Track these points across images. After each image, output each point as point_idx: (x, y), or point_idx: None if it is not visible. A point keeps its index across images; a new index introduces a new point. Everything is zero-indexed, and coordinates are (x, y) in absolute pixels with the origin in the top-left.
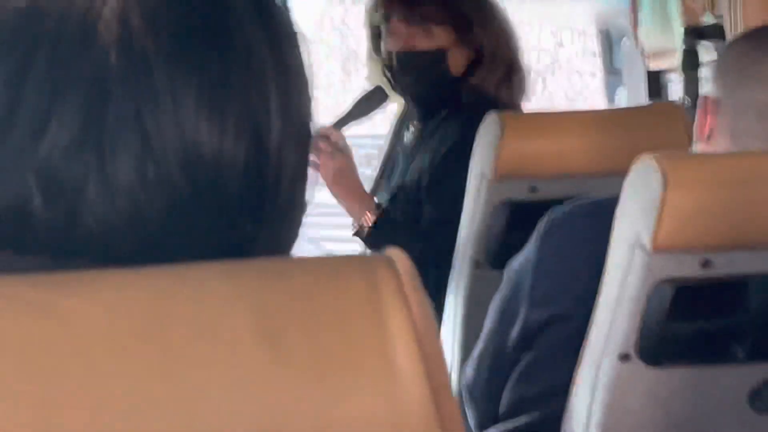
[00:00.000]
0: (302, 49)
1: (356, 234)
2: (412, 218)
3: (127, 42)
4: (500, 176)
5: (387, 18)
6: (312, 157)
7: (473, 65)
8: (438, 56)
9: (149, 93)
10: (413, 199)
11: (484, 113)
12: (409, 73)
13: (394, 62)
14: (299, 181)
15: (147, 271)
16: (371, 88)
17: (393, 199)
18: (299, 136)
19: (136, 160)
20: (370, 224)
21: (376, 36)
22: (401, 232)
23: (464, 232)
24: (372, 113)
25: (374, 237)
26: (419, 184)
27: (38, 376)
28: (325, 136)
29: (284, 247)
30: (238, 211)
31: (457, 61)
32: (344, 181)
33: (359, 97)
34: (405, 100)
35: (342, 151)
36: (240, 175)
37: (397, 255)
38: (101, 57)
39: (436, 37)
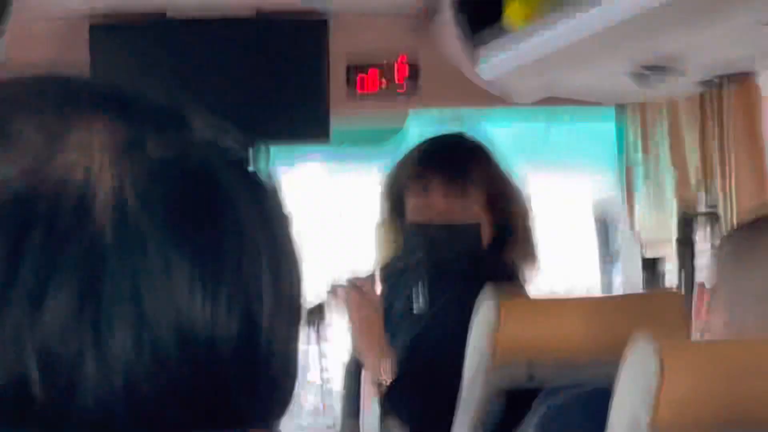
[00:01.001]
0: (291, 225)
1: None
2: (429, 374)
3: (122, 220)
4: (497, 362)
5: (425, 188)
6: (342, 304)
7: (500, 239)
8: (476, 230)
9: (144, 270)
10: (435, 357)
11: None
12: (444, 244)
13: (429, 233)
14: (290, 354)
15: None
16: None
17: (407, 355)
18: (290, 309)
19: (132, 336)
20: (389, 381)
21: (397, 206)
22: (419, 391)
23: (460, 419)
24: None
25: (391, 393)
26: (443, 343)
27: None
28: (357, 286)
29: (275, 418)
30: (232, 386)
31: (484, 234)
32: (369, 334)
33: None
34: (418, 266)
35: (372, 304)
36: (233, 350)
37: None
38: (96, 236)
39: (471, 210)
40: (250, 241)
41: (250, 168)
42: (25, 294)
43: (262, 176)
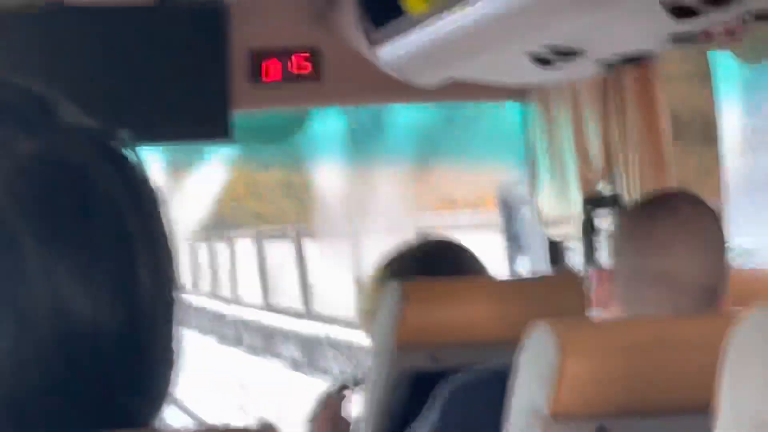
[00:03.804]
0: (163, 205)
1: None
2: None
3: None
4: (401, 346)
5: None
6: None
7: None
8: None
9: (21, 271)
10: None
11: None
12: None
13: None
14: (170, 342)
15: None
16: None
17: None
18: (168, 298)
19: (11, 341)
20: None
21: None
22: None
23: (367, 402)
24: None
25: None
26: None
27: None
28: (326, 405)
29: (157, 408)
30: (116, 380)
31: None
32: None
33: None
34: None
35: (334, 423)
36: (115, 343)
37: None
38: None
39: None
40: (125, 228)
41: (119, 152)
42: None
43: (131, 159)
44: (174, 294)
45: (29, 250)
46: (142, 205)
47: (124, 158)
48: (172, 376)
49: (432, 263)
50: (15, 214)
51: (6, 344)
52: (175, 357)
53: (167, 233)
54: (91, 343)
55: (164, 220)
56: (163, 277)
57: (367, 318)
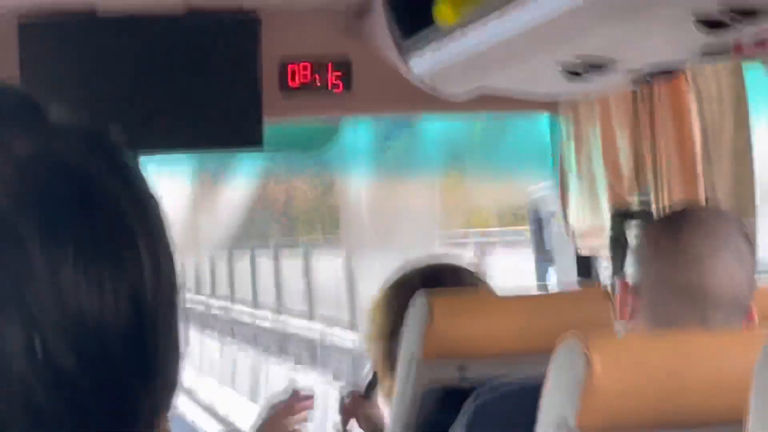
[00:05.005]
0: (160, 205)
1: None
2: None
3: None
4: (429, 357)
5: None
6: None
7: None
8: None
9: (26, 271)
10: None
11: None
12: None
13: None
14: (173, 338)
15: None
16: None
17: None
18: (170, 293)
19: (22, 339)
20: None
21: None
22: None
23: (395, 414)
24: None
25: None
26: None
27: None
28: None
29: (165, 403)
30: (123, 376)
31: None
32: None
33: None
34: None
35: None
36: (122, 338)
37: None
38: None
39: None
40: (126, 226)
41: (114, 151)
42: None
43: (127, 158)
44: (176, 292)
45: (33, 249)
46: (140, 203)
47: (120, 157)
48: (179, 372)
49: (431, 285)
50: (16, 215)
51: (16, 344)
52: (180, 354)
53: (166, 232)
54: (97, 340)
55: (164, 221)
56: (164, 274)
57: (372, 341)
